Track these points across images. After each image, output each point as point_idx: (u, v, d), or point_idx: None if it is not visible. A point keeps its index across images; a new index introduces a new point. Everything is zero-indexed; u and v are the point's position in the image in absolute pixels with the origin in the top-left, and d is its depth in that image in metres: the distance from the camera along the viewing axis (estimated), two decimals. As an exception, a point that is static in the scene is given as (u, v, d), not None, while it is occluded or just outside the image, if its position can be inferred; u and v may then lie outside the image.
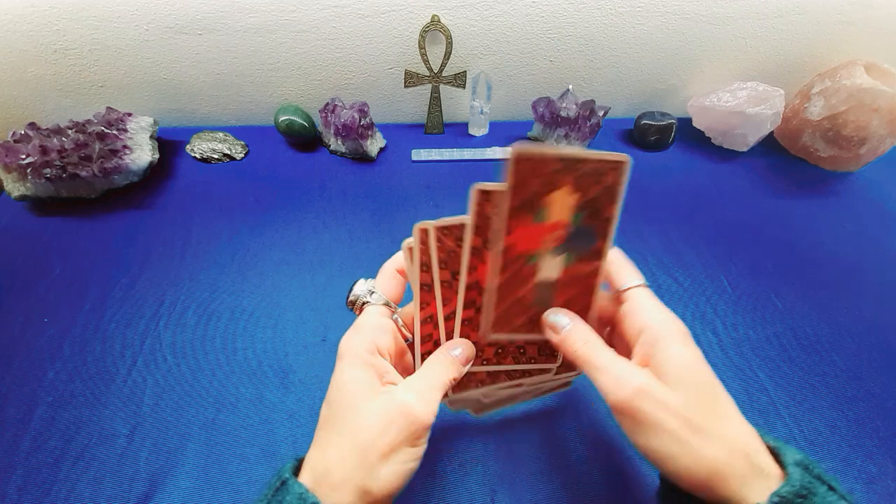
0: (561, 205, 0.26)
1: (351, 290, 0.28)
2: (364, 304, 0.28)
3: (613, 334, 0.30)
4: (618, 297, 0.28)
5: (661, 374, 0.24)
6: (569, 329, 0.26)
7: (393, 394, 0.24)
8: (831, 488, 0.21)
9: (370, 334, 0.26)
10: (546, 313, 0.27)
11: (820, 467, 0.22)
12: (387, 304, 0.28)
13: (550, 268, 0.28)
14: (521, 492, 0.34)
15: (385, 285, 0.28)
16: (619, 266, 0.28)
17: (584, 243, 0.27)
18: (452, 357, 0.27)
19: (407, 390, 0.24)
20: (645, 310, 0.26)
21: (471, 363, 0.27)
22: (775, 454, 0.23)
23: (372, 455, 0.22)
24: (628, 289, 0.27)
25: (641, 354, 0.25)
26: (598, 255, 0.27)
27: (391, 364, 0.26)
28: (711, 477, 0.21)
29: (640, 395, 0.23)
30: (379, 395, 0.24)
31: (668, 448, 0.22)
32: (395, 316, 0.28)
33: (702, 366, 0.24)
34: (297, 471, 0.24)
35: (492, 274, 0.27)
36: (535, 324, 0.28)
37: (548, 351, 0.29)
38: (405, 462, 0.23)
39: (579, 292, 0.28)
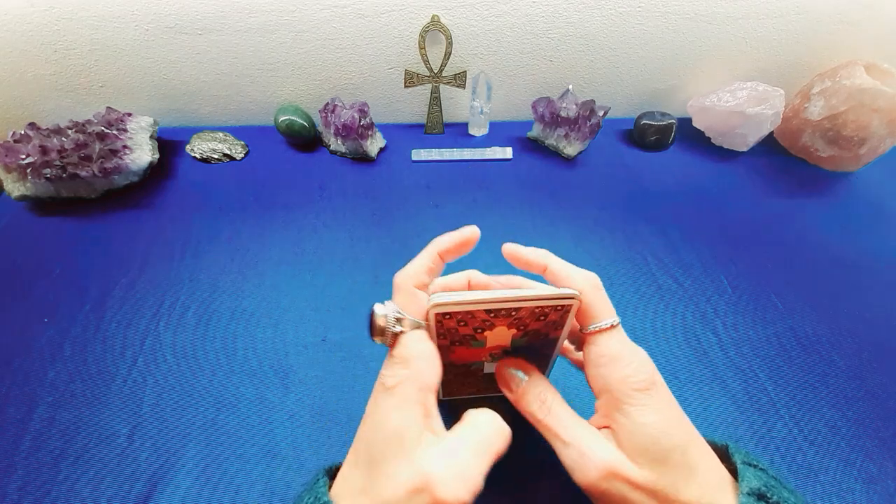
0: (498, 336, 0.25)
1: (372, 319, 0.24)
2: (398, 333, 0.24)
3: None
4: (584, 337, 0.25)
5: (625, 445, 0.22)
6: (525, 384, 0.25)
7: (424, 460, 0.21)
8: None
9: (421, 372, 0.23)
10: (501, 364, 0.27)
11: (784, 490, 0.22)
12: (419, 326, 0.25)
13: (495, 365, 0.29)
14: (520, 492, 0.34)
15: (409, 306, 0.25)
16: (589, 301, 0.24)
17: (528, 354, 0.27)
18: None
19: (442, 460, 0.21)
20: (609, 365, 0.24)
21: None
22: (733, 470, 0.23)
23: None
24: (594, 332, 0.24)
25: (603, 415, 0.24)
26: (545, 360, 0.28)
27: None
28: None
29: (608, 478, 0.22)
30: (416, 451, 0.21)
31: None
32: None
33: (669, 427, 0.23)
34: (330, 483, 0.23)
35: None
36: (490, 386, 0.29)
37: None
38: None
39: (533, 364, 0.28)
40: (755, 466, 0.23)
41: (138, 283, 0.47)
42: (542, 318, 0.24)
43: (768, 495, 0.21)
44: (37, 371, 0.40)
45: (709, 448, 0.24)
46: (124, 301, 0.45)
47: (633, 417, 0.23)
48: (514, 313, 0.24)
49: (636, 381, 0.23)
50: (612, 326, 0.24)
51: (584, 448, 0.23)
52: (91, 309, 0.44)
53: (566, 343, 0.30)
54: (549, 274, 0.25)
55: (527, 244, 0.27)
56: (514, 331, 0.25)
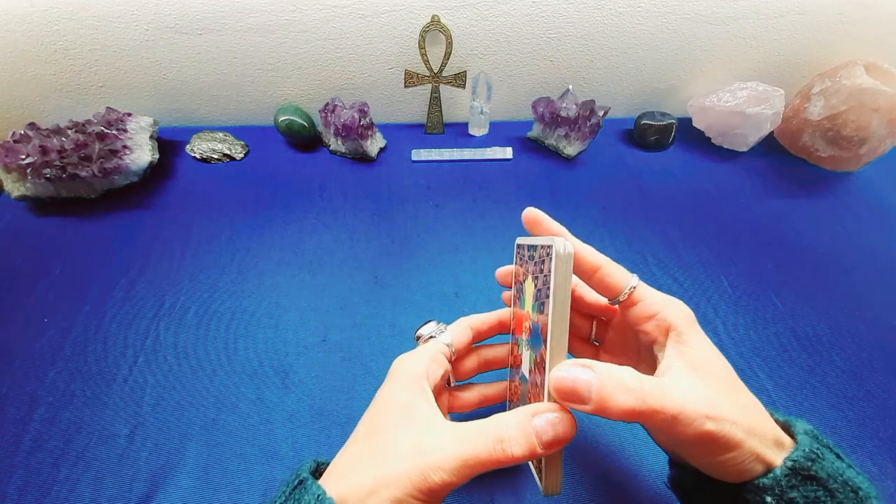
0: (528, 294, 0.27)
1: (422, 325, 0.31)
2: (430, 337, 0.29)
3: (606, 330, 0.31)
4: (623, 306, 0.26)
5: (698, 368, 0.23)
6: (598, 382, 0.20)
7: (426, 449, 0.22)
8: (838, 457, 0.23)
9: (427, 362, 0.27)
10: (556, 378, 0.21)
11: (827, 439, 0.24)
12: (449, 346, 0.29)
13: (525, 361, 0.27)
14: (521, 492, 0.34)
15: (455, 332, 0.30)
16: (610, 271, 0.26)
17: (536, 343, 0.25)
18: (524, 432, 0.22)
19: (441, 451, 0.22)
20: (666, 307, 0.25)
21: (559, 446, 0.22)
22: (786, 427, 0.24)
23: (383, 495, 0.21)
24: (633, 289, 0.25)
25: (668, 354, 0.24)
26: (541, 366, 0.23)
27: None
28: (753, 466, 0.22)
29: (717, 421, 0.21)
30: (418, 434, 0.23)
31: (741, 457, 0.21)
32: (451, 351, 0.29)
33: (715, 351, 0.25)
34: (314, 472, 0.24)
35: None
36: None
37: None
38: None
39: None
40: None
41: (138, 283, 0.47)
42: (542, 265, 0.25)
43: (819, 437, 0.23)
44: (37, 371, 0.40)
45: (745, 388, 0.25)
46: (124, 301, 0.45)
47: (695, 345, 0.24)
48: (535, 254, 0.26)
49: (689, 317, 0.25)
50: (640, 282, 0.26)
51: (690, 407, 0.21)
52: (91, 309, 0.44)
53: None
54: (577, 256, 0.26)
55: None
56: (533, 286, 0.26)
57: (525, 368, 0.27)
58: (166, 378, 0.40)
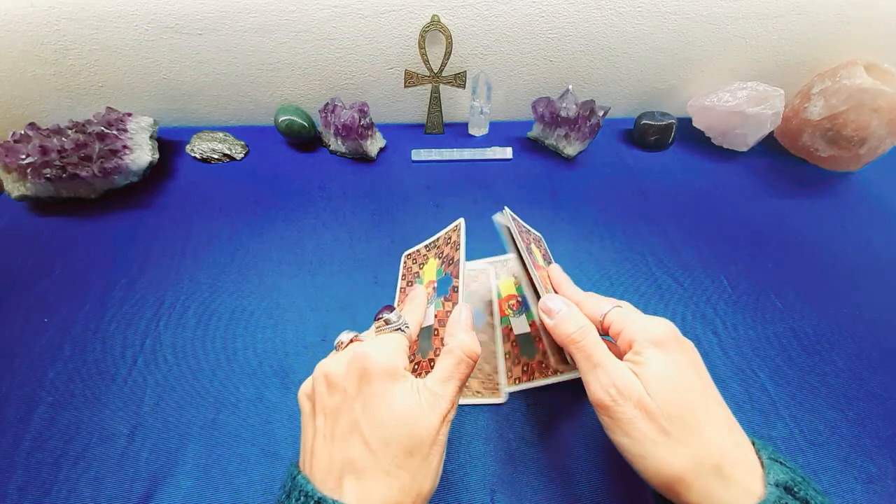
0: (429, 270, 0.38)
1: (385, 311, 0.30)
2: (396, 329, 0.29)
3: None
4: (600, 326, 0.30)
5: (643, 380, 0.25)
6: (563, 314, 0.29)
7: (431, 424, 0.25)
8: (805, 502, 0.22)
9: (403, 358, 0.27)
10: (543, 299, 0.30)
11: (811, 489, 0.22)
12: (411, 337, 0.30)
13: (428, 316, 0.34)
14: (521, 492, 0.34)
15: (413, 322, 0.30)
16: (591, 302, 0.31)
17: (445, 287, 0.35)
18: (464, 329, 0.28)
19: (436, 409, 0.25)
20: (629, 321, 0.28)
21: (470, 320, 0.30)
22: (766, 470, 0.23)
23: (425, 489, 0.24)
24: (606, 313, 0.30)
25: (630, 361, 0.27)
26: (455, 289, 0.33)
27: None
28: (675, 482, 0.23)
29: (621, 397, 0.25)
30: (421, 418, 0.25)
31: (639, 448, 0.24)
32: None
33: (684, 374, 0.25)
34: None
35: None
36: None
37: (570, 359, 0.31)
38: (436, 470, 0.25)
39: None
40: (782, 463, 0.24)
41: (138, 283, 0.47)
42: (448, 240, 0.37)
43: (795, 490, 0.22)
44: (37, 371, 0.40)
45: (728, 426, 0.25)
46: (124, 301, 0.45)
47: (650, 358, 0.26)
48: (437, 242, 0.39)
49: (661, 332, 0.27)
50: (618, 306, 0.30)
51: (608, 368, 0.26)
52: (91, 309, 0.44)
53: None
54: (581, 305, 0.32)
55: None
56: (437, 261, 0.37)
57: (431, 315, 0.34)
58: (166, 378, 0.40)
